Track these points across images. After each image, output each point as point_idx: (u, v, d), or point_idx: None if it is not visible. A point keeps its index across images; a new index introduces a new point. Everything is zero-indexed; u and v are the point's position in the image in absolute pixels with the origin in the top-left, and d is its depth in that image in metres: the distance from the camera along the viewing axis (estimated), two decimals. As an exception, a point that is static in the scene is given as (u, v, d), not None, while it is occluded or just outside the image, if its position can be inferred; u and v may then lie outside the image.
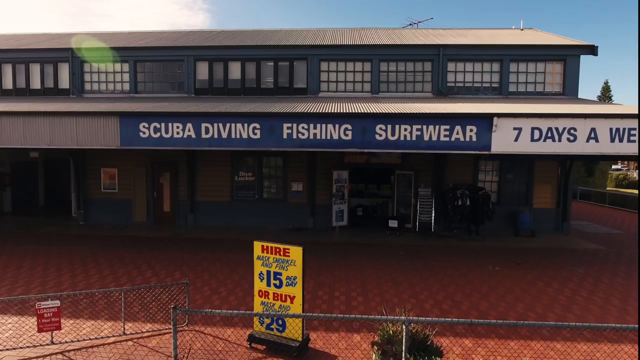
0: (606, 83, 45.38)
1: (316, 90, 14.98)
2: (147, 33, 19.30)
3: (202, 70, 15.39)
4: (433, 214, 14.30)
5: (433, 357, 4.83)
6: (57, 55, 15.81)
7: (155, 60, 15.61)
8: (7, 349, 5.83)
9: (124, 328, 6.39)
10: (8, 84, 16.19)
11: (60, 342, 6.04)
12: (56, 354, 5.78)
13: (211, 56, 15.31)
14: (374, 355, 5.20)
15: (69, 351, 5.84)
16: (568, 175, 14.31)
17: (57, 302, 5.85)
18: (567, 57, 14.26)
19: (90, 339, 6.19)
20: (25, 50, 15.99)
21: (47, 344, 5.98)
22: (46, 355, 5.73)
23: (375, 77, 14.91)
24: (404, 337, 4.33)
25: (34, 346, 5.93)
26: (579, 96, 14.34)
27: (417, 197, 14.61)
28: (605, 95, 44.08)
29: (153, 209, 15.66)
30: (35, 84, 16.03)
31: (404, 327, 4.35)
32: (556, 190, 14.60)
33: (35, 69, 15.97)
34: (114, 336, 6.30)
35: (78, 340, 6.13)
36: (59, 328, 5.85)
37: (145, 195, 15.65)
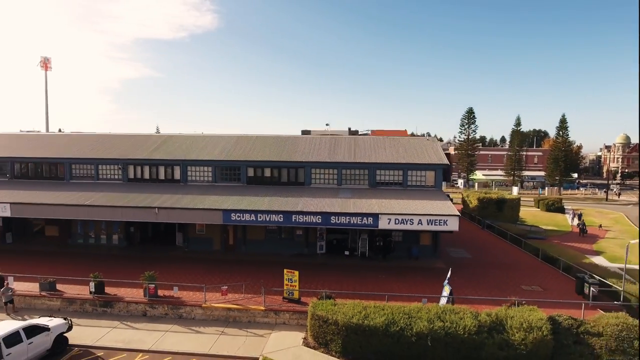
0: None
1: (309, 183, 28.84)
2: (199, 137, 33.19)
3: (251, 171, 29.31)
4: (367, 247, 28.04)
5: (332, 301, 18.47)
6: (174, 163, 29.80)
7: (224, 167, 29.53)
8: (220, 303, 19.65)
9: (264, 299, 20.22)
10: (138, 175, 30.18)
11: (227, 300, 19.86)
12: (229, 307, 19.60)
13: (256, 163, 29.20)
14: (315, 300, 18.91)
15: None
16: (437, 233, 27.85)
17: (225, 286, 19.72)
18: (436, 169, 28.00)
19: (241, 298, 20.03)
20: (157, 160, 30.04)
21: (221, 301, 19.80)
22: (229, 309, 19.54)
23: (339, 176, 28.75)
24: (324, 296, 18.12)
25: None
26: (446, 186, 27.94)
27: (360, 239, 28.35)
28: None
29: (224, 243, 29.56)
30: (161, 175, 30.01)
31: (324, 293, 18.12)
32: (431, 236, 28.18)
33: (161, 168, 29.96)
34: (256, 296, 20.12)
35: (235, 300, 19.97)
36: (225, 294, 19.72)
37: (220, 235, 29.54)
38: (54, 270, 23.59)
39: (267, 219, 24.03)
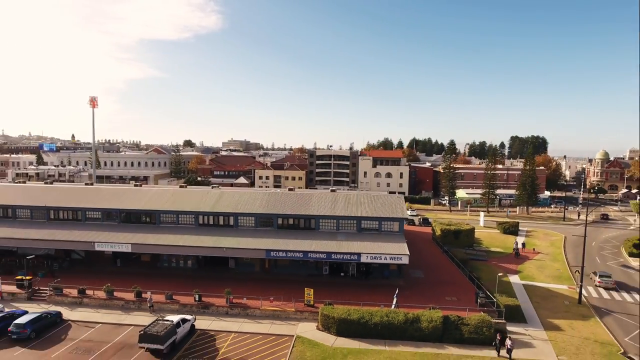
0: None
1: (318, 228, 44.50)
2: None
3: (280, 220, 44.97)
4: (355, 271, 43.65)
5: (331, 306, 33.97)
6: (229, 214, 45.55)
7: (261, 217, 45.20)
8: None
9: (294, 304, 35.89)
10: (205, 221, 45.91)
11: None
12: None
13: (283, 215, 44.83)
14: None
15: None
16: (401, 266, 43.33)
17: (272, 298, 35.41)
18: (400, 220, 43.60)
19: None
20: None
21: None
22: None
23: (337, 224, 44.40)
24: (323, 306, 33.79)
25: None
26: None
27: (350, 265, 43.94)
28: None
29: (262, 266, 45.13)
30: (220, 222, 45.69)
31: (327, 302, 33.76)
32: (398, 265, 43.66)
33: (220, 217, 45.68)
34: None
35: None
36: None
37: (260, 261, 45.07)
38: (159, 286, 39.19)
39: (293, 255, 39.76)
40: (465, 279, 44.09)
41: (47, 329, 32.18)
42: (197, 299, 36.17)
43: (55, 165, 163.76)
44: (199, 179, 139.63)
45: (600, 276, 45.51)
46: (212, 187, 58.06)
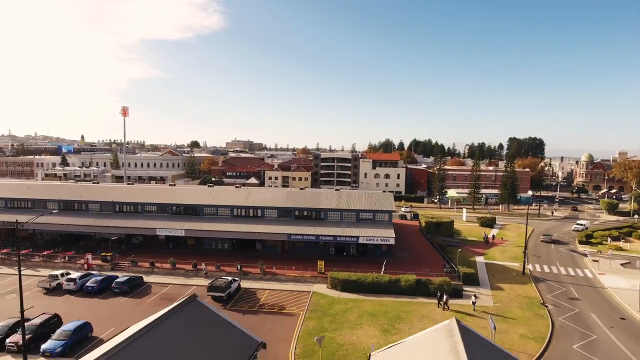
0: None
1: (327, 218, 58.04)
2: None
3: (297, 212, 58.59)
4: (355, 251, 57.14)
5: (338, 272, 47.45)
6: (258, 207, 59.24)
7: (283, 210, 58.86)
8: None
9: (310, 272, 49.48)
10: (239, 213, 59.53)
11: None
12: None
13: (300, 209, 58.45)
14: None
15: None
16: (390, 247, 56.74)
17: (293, 267, 48.96)
18: (389, 212, 57.11)
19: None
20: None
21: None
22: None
23: (341, 215, 57.98)
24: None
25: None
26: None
27: (351, 246, 57.46)
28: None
29: (283, 247, 58.72)
30: (250, 214, 59.35)
31: (334, 270, 47.30)
32: (388, 245, 57.11)
33: (251, 210, 59.34)
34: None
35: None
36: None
37: (281, 243, 58.61)
38: (207, 261, 52.62)
39: (307, 238, 53.29)
40: (439, 258, 57.54)
41: (136, 287, 45.76)
42: (238, 268, 49.71)
43: (79, 166, 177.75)
44: (212, 179, 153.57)
45: (544, 235, 60.93)
46: (236, 187, 71.67)
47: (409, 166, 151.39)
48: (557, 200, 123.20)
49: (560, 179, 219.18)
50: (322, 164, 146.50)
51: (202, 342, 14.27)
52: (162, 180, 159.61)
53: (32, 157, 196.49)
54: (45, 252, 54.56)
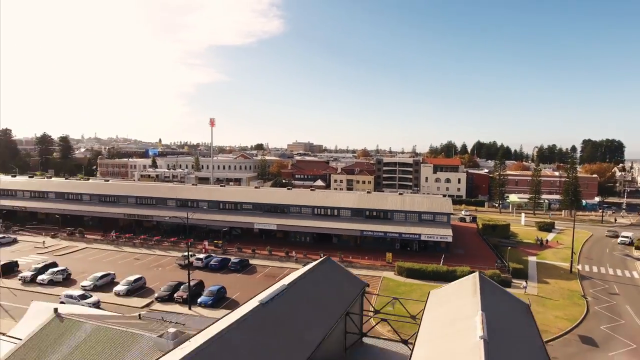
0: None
1: (393, 218, 68.97)
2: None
3: (367, 212, 70.19)
4: (417, 247, 67.45)
5: (404, 262, 58.27)
6: (335, 208, 71.73)
7: (356, 210, 70.69)
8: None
9: (380, 262, 60.95)
10: (319, 212, 72.27)
11: (366, 261, 60.80)
12: (366, 262, 60.46)
13: (370, 210, 70.04)
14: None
15: (367, 262, 60.49)
16: (448, 244, 66.29)
17: (366, 257, 60.51)
18: (447, 214, 66.77)
19: (368, 261, 60.91)
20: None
21: (365, 261, 60.69)
22: (366, 262, 60.37)
23: (405, 216, 68.64)
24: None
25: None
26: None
27: (413, 242, 67.86)
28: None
29: (356, 242, 70.63)
30: (328, 213, 71.89)
31: (400, 261, 58.25)
32: (446, 243, 66.67)
33: (328, 209, 71.90)
34: (370, 261, 60.87)
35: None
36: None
37: (354, 238, 70.53)
38: (298, 249, 65.66)
39: (377, 234, 64.60)
40: (492, 255, 66.14)
41: (245, 267, 59.90)
42: (321, 256, 62.15)
43: (167, 169, 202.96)
44: (283, 181, 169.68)
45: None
46: (311, 190, 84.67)
47: (469, 171, 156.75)
48: (624, 207, 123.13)
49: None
50: (384, 168, 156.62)
51: (335, 282, 25.92)
52: (237, 181, 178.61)
53: (127, 159, 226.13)
54: (172, 239, 71.13)
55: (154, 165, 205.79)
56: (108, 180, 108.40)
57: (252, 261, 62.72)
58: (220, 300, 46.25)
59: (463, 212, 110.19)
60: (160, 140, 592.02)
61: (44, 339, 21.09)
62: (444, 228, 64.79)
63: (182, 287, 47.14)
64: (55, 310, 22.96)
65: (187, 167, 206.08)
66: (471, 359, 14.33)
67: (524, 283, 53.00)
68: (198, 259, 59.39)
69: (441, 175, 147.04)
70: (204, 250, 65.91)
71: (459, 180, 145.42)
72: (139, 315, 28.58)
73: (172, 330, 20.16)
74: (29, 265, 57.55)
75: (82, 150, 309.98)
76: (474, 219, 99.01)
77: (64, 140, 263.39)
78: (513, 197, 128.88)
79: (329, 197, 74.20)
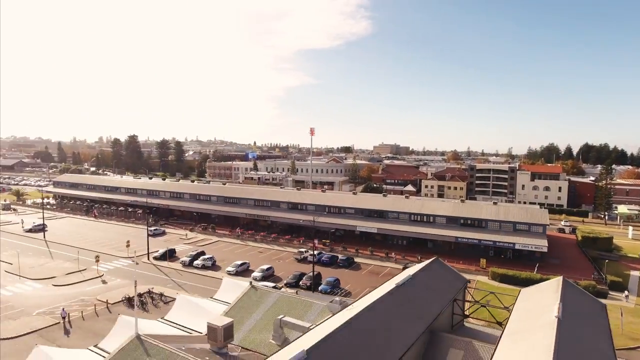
0: None
1: (487, 227, 73.90)
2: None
3: (462, 220, 75.96)
4: (511, 255, 71.57)
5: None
6: (415, 214, 78.77)
7: (451, 217, 76.93)
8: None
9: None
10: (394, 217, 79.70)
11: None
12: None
13: (465, 218, 75.75)
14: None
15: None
16: (543, 254, 69.38)
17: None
18: (542, 225, 69.93)
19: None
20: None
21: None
22: (460, 266, 66.73)
23: (500, 225, 73.16)
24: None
25: (458, 265, 67.07)
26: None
27: (508, 251, 72.04)
28: None
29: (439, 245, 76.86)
30: (410, 218, 79.09)
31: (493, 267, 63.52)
32: (541, 252, 69.81)
33: (406, 215, 79.10)
34: (465, 266, 66.96)
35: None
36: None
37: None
38: (396, 251, 73.87)
39: (473, 242, 70.20)
40: (590, 267, 67.81)
41: (351, 264, 69.76)
42: (418, 258, 69.81)
43: (266, 172, 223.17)
44: (373, 185, 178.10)
45: None
46: (406, 196, 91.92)
47: (572, 179, 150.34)
48: None
49: None
50: (477, 174, 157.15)
51: (444, 277, 33.92)
52: (330, 185, 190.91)
53: (230, 162, 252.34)
54: (286, 237, 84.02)
55: (255, 168, 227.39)
56: (225, 184, 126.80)
57: (356, 259, 72.46)
58: (335, 289, 56.47)
59: (562, 223, 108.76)
60: (255, 143, 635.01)
61: (247, 302, 32.45)
62: (539, 238, 68.23)
63: (305, 276, 58.45)
64: (251, 283, 34.49)
65: (284, 170, 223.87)
66: (546, 331, 21.73)
67: (625, 293, 55.26)
68: (312, 254, 70.70)
69: (539, 183, 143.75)
70: (314, 247, 77.31)
71: (560, 188, 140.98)
72: (296, 291, 39.48)
73: (337, 299, 30.11)
74: (180, 252, 73.87)
75: (190, 152, 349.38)
76: (573, 230, 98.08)
77: (178, 144, 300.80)
78: (622, 208, 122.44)
79: (424, 205, 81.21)
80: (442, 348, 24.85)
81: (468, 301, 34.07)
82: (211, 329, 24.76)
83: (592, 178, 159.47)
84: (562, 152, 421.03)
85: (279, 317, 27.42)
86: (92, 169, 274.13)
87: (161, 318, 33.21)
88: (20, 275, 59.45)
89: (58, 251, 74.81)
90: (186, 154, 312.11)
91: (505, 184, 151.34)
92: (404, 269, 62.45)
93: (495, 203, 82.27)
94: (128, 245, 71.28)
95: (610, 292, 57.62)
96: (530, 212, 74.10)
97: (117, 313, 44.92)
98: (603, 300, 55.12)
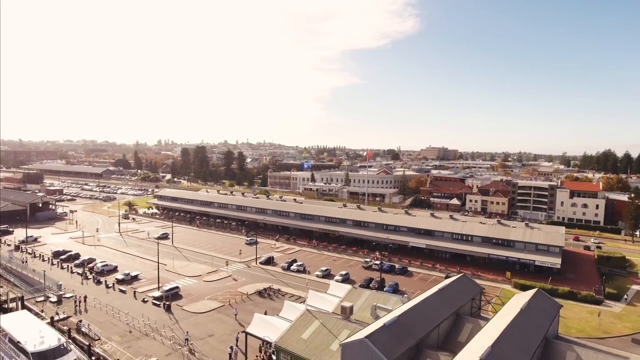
0: None
1: (514, 246, 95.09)
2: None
3: (494, 240, 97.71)
4: (533, 268, 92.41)
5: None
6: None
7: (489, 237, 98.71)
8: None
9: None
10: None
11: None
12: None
13: (500, 240, 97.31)
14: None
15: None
16: (560, 269, 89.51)
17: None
18: (559, 246, 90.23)
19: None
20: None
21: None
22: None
23: (525, 245, 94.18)
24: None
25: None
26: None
27: (530, 266, 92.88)
28: None
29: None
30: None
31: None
32: (557, 268, 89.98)
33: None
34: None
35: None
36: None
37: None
38: (441, 263, 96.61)
39: (502, 258, 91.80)
40: (598, 281, 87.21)
41: (405, 272, 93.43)
42: (458, 269, 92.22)
43: (322, 182, 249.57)
44: (421, 198, 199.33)
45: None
46: (451, 217, 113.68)
47: (610, 196, 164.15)
48: None
49: None
50: (519, 191, 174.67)
51: (467, 284, 56.61)
52: (381, 197, 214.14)
53: (289, 172, 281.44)
54: (353, 248, 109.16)
55: (313, 179, 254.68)
56: (301, 202, 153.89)
57: (409, 268, 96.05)
58: (396, 291, 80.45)
59: (592, 240, 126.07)
60: (305, 148, 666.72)
61: (353, 295, 57.43)
62: (554, 257, 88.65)
63: (373, 280, 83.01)
64: (352, 285, 59.68)
65: (338, 182, 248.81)
66: (512, 315, 44.70)
67: (618, 303, 75.34)
68: (375, 263, 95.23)
69: (578, 201, 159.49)
70: (375, 258, 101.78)
71: (597, 206, 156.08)
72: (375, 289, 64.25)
73: (406, 295, 54.55)
74: (277, 258, 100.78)
75: (249, 160, 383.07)
76: (598, 247, 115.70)
77: (240, 154, 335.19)
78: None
79: (464, 227, 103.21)
80: (461, 323, 48.54)
81: (482, 300, 57.32)
82: (343, 308, 49.98)
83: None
84: (620, 158, 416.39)
85: (374, 303, 52.16)
86: (168, 176, 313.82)
87: (304, 303, 59.03)
88: (178, 273, 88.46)
89: (187, 255, 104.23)
90: (247, 163, 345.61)
91: (546, 200, 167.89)
92: (446, 277, 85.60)
93: (527, 224, 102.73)
94: (240, 253, 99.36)
95: (606, 301, 77.51)
96: (549, 235, 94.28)
97: (253, 302, 71.89)
98: (597, 307, 75.86)
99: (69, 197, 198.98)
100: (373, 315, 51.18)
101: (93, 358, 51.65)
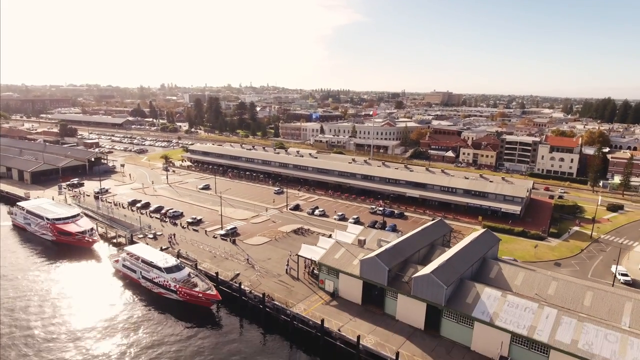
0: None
1: (487, 196, 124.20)
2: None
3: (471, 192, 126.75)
4: (501, 214, 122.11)
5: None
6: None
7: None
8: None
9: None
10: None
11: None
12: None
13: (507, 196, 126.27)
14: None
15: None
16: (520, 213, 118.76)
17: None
18: (522, 197, 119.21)
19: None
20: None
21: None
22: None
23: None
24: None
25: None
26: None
27: (496, 212, 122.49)
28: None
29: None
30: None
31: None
32: (519, 213, 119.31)
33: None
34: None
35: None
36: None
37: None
38: (435, 210, 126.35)
39: (477, 206, 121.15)
40: (548, 223, 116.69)
41: (402, 216, 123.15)
42: (443, 215, 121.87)
43: (330, 134, 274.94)
44: (420, 150, 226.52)
45: None
46: (442, 171, 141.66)
47: (585, 151, 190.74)
48: None
49: None
50: (506, 145, 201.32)
51: (441, 226, 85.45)
52: (384, 149, 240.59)
53: (299, 124, 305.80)
54: (361, 197, 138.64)
55: (322, 131, 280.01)
56: (316, 157, 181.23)
57: (405, 213, 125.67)
58: (394, 230, 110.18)
59: (559, 190, 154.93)
60: (310, 93, 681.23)
61: (364, 233, 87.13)
62: (516, 205, 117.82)
63: (377, 222, 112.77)
64: (365, 225, 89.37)
65: (345, 133, 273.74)
66: (463, 244, 73.80)
67: (557, 240, 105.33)
68: (379, 210, 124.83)
69: (556, 155, 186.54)
70: (379, 205, 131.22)
71: (572, 160, 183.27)
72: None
73: (400, 232, 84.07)
74: (303, 205, 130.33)
75: (258, 109, 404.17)
76: (560, 197, 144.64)
77: (252, 105, 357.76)
78: (616, 179, 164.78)
79: (451, 180, 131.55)
80: (434, 249, 78.18)
81: (453, 237, 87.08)
82: (359, 240, 79.55)
83: (607, 149, 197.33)
84: (618, 107, 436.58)
85: (379, 238, 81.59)
86: (183, 126, 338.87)
87: (330, 237, 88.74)
88: (230, 217, 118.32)
89: (231, 202, 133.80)
90: (258, 113, 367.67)
91: (529, 154, 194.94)
92: (432, 220, 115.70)
93: (503, 179, 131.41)
94: (274, 201, 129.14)
95: (549, 238, 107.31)
96: (516, 188, 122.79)
97: (291, 237, 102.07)
98: (539, 242, 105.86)
99: (106, 150, 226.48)
100: (378, 244, 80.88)
101: (200, 268, 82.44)
